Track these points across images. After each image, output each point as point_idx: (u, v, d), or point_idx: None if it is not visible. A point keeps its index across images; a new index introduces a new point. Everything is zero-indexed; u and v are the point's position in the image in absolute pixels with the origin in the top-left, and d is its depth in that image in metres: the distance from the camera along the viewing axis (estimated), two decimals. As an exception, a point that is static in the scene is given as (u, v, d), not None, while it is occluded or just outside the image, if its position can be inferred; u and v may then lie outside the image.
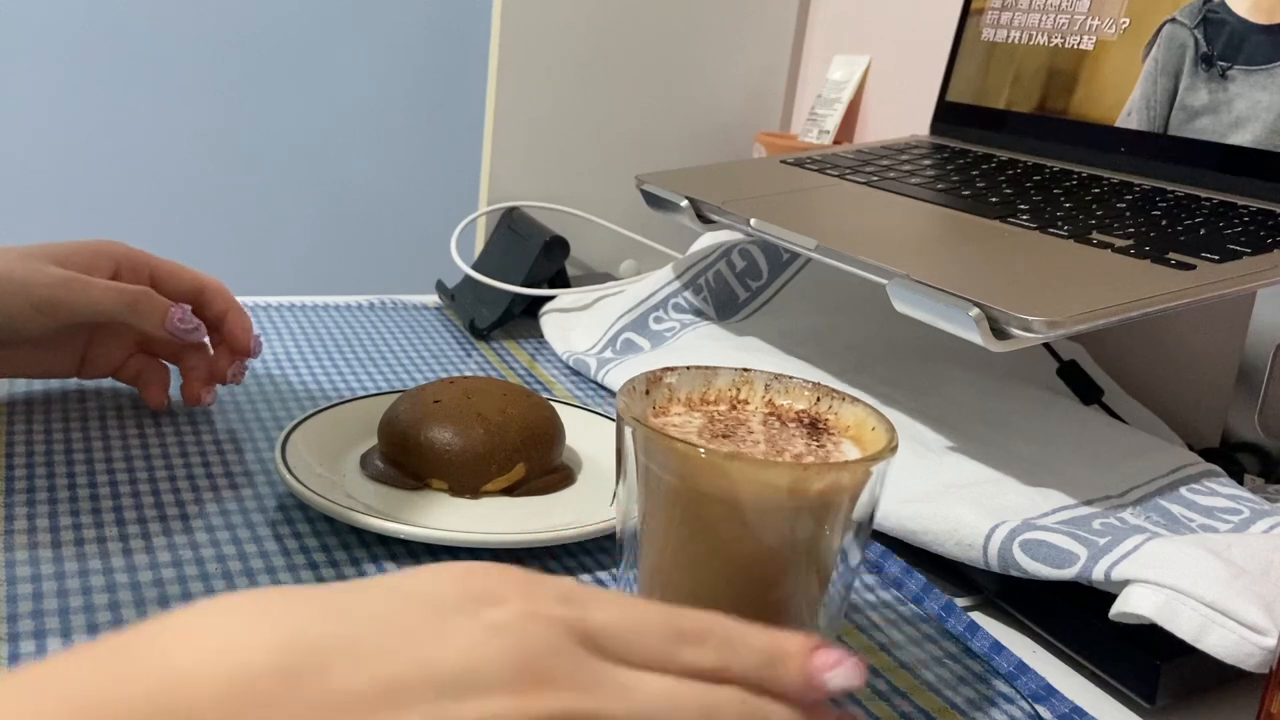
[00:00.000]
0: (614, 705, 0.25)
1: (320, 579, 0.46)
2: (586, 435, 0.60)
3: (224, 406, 0.62)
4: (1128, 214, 0.61)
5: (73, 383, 0.63)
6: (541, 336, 0.79)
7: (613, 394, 0.69)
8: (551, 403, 0.63)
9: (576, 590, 0.27)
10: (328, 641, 0.24)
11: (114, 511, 0.49)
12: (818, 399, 0.41)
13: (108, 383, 0.63)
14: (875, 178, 0.73)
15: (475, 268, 0.84)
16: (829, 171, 0.76)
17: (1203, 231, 0.57)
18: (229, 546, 0.47)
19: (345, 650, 0.24)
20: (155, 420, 0.59)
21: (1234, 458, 0.62)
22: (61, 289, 0.53)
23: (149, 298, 0.56)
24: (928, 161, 0.77)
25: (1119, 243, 0.56)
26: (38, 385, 0.62)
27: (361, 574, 0.46)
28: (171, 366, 0.62)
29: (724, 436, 0.38)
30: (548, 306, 0.82)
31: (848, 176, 0.74)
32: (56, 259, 0.55)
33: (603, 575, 0.49)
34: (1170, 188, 0.65)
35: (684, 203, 0.71)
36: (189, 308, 0.57)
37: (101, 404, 0.60)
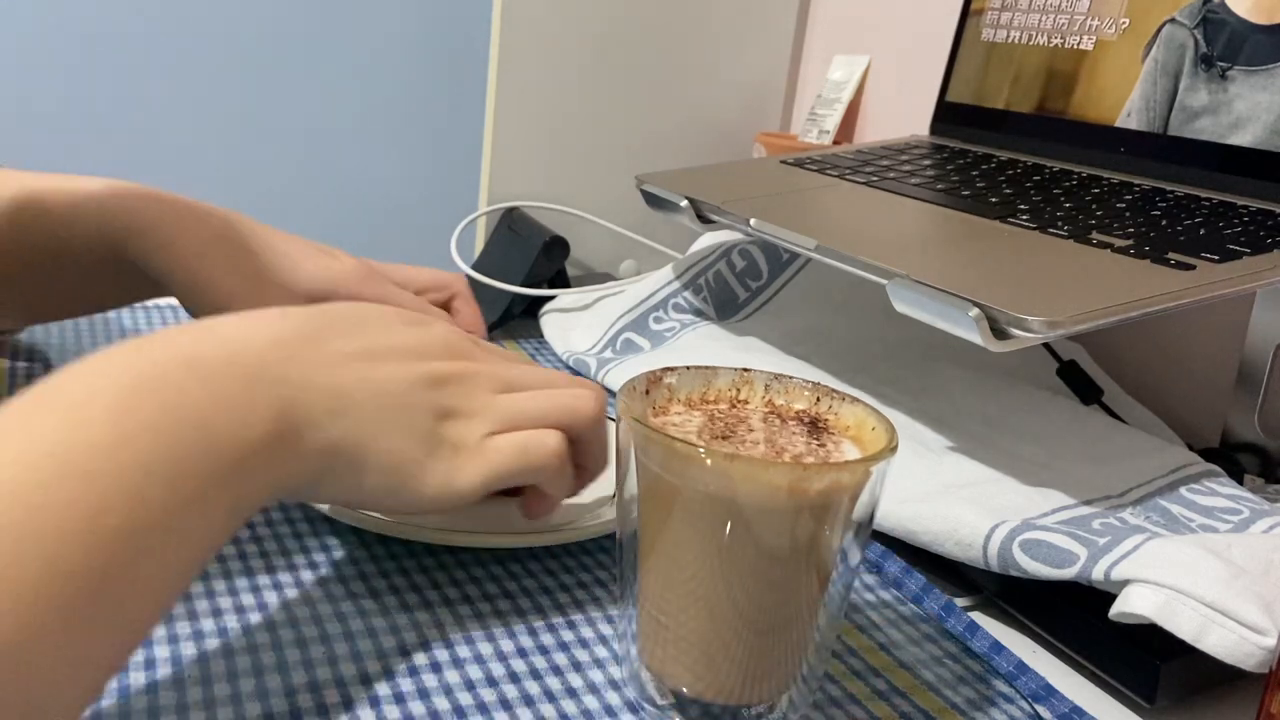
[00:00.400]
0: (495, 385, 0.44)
1: (320, 579, 0.46)
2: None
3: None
4: (1128, 214, 0.61)
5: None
6: (541, 336, 0.79)
7: (613, 394, 0.69)
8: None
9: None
10: (328, 326, 0.40)
11: (114, 511, 0.49)
12: (818, 399, 0.41)
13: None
14: (875, 178, 0.73)
15: (475, 268, 0.84)
16: (829, 171, 0.76)
17: (1203, 231, 0.57)
18: (229, 546, 0.47)
19: (341, 332, 0.40)
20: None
21: (1234, 458, 0.62)
22: (328, 261, 0.58)
23: (373, 273, 0.58)
24: (928, 161, 0.77)
25: (1119, 243, 0.56)
26: (39, 377, 0.62)
27: (361, 574, 0.47)
28: None
29: (724, 436, 0.38)
30: (548, 306, 0.82)
31: (848, 176, 0.74)
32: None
33: (603, 575, 0.49)
34: (1170, 188, 0.65)
35: (684, 203, 0.71)
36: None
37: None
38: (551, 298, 0.84)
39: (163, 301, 0.76)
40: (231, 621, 0.42)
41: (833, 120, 1.03)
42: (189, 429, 0.31)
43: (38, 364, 0.64)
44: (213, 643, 0.41)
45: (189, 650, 0.40)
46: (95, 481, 0.28)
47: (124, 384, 0.31)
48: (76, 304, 0.60)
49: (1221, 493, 0.54)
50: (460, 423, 0.42)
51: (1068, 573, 0.45)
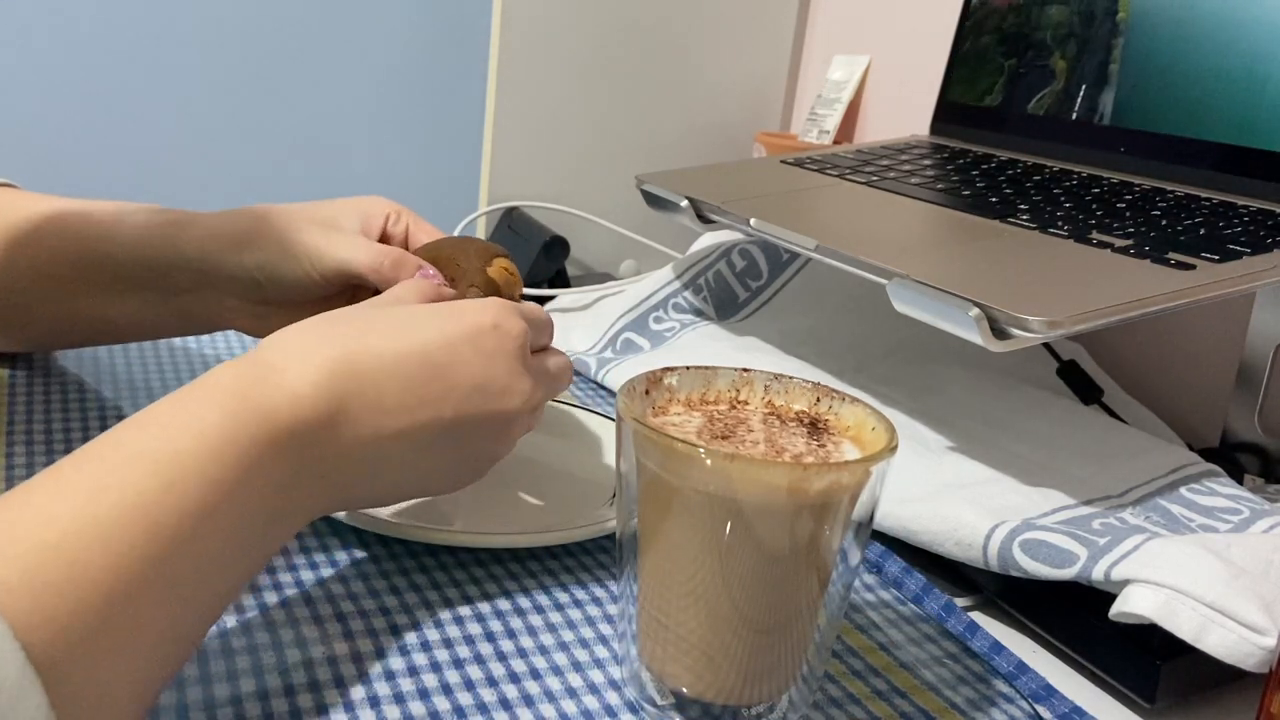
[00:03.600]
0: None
1: (320, 579, 0.46)
2: (586, 435, 0.60)
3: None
4: (1128, 214, 0.61)
5: (72, 377, 0.62)
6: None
7: (613, 394, 0.69)
8: (552, 403, 0.63)
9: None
10: (391, 388, 0.41)
11: (114, 511, 0.49)
12: (818, 399, 0.41)
13: (108, 376, 0.63)
14: (875, 178, 0.73)
15: (475, 268, 0.83)
16: (829, 171, 0.76)
17: (1203, 231, 0.57)
18: (229, 546, 0.47)
19: (404, 398, 0.41)
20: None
21: (1234, 458, 0.62)
22: (350, 250, 0.54)
23: (402, 261, 0.55)
24: (928, 161, 0.77)
25: (1119, 243, 0.56)
26: (38, 378, 0.62)
27: (361, 574, 0.47)
28: None
29: (724, 437, 0.38)
30: (548, 306, 0.82)
31: (848, 176, 0.74)
32: (326, 220, 0.56)
33: (603, 575, 0.49)
34: (1170, 188, 0.65)
35: (684, 203, 0.71)
36: (433, 270, 0.55)
37: (101, 400, 0.60)
38: (551, 297, 0.84)
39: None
40: (232, 622, 0.42)
41: (833, 120, 1.03)
42: (255, 489, 0.37)
43: (37, 371, 0.64)
44: (213, 643, 0.41)
45: (189, 650, 0.40)
46: (170, 511, 0.33)
47: (214, 447, 0.35)
48: (97, 336, 0.61)
49: (1221, 493, 0.54)
50: (488, 459, 0.46)
51: (1068, 573, 0.45)
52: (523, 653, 0.42)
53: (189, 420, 0.35)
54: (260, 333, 0.56)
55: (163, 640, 0.33)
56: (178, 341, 0.70)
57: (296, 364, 0.39)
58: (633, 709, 0.40)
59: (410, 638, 0.42)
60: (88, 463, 0.33)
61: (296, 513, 0.39)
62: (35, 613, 0.29)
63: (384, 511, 0.49)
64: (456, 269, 0.53)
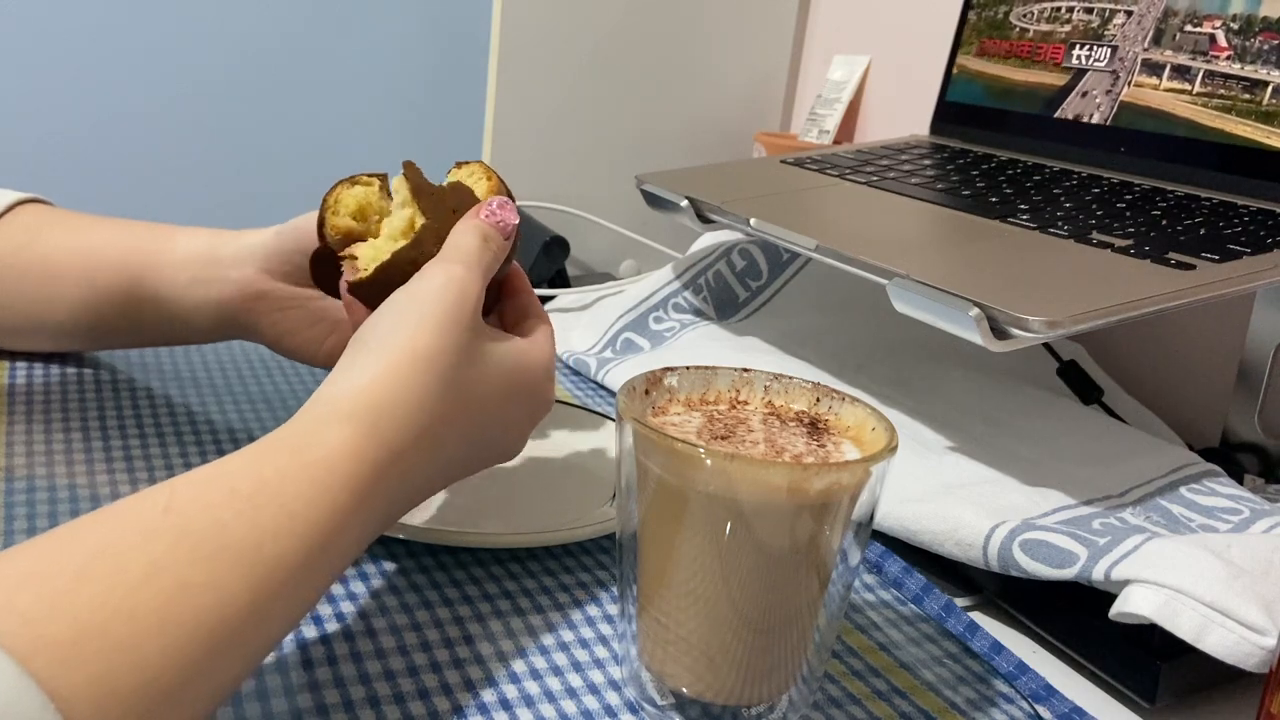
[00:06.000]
0: None
1: (320, 579, 0.46)
2: (586, 435, 0.60)
3: (225, 406, 0.62)
4: (1128, 214, 0.61)
5: (72, 375, 0.62)
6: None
7: (613, 394, 0.69)
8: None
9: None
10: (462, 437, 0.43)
11: (114, 511, 0.49)
12: (818, 399, 0.41)
13: (107, 378, 0.63)
14: (875, 178, 0.73)
15: (475, 268, 0.83)
16: (829, 171, 0.76)
17: (1203, 231, 0.57)
18: (229, 546, 0.47)
19: (467, 445, 0.43)
20: (155, 419, 0.59)
21: (1234, 458, 0.62)
22: None
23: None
24: (928, 161, 0.77)
25: (1119, 243, 0.56)
26: (38, 385, 0.62)
27: (361, 574, 0.47)
28: None
29: (724, 437, 0.38)
30: (548, 306, 0.82)
31: (848, 176, 0.74)
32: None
33: (603, 575, 0.49)
34: (1170, 188, 0.65)
35: (684, 203, 0.71)
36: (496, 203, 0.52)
37: (101, 401, 0.60)
38: (551, 297, 0.84)
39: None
40: (231, 621, 0.42)
41: (833, 120, 1.03)
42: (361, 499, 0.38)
43: (36, 371, 0.64)
44: (213, 643, 0.41)
45: (189, 650, 0.40)
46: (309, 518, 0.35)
47: (358, 471, 0.37)
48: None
49: (1221, 493, 0.54)
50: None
51: (1068, 573, 0.45)
52: (523, 653, 0.42)
53: (292, 508, 0.35)
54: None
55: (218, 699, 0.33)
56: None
57: (412, 446, 0.40)
58: (633, 709, 0.40)
59: (410, 638, 0.42)
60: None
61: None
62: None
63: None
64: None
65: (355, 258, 0.47)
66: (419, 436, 0.40)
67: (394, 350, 0.40)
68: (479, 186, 0.49)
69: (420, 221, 0.46)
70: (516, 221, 0.47)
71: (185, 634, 0.30)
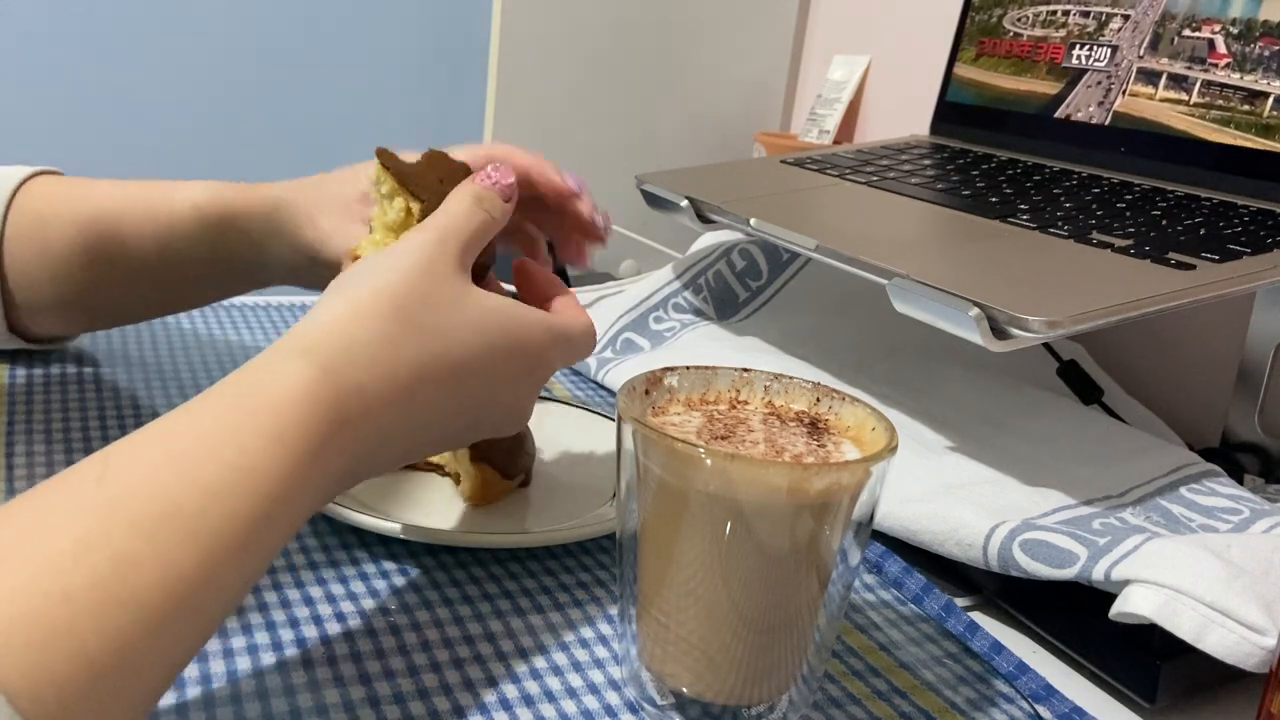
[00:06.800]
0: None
1: (320, 579, 0.46)
2: (586, 435, 0.60)
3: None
4: (1128, 214, 0.61)
5: (72, 374, 0.62)
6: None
7: (613, 394, 0.69)
8: (552, 402, 0.63)
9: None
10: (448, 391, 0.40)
11: (114, 511, 0.49)
12: (818, 399, 0.41)
13: (107, 378, 0.63)
14: (875, 178, 0.73)
15: (475, 268, 0.83)
16: (829, 171, 0.76)
17: (1203, 231, 0.57)
18: (229, 546, 0.47)
19: (451, 402, 0.41)
20: (155, 419, 0.59)
21: (1234, 458, 0.62)
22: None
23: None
24: (928, 161, 0.77)
25: (1119, 243, 0.56)
26: (38, 385, 0.62)
27: (361, 574, 0.47)
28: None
29: (724, 437, 0.38)
30: (548, 306, 0.82)
31: (848, 176, 0.74)
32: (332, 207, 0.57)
33: (603, 575, 0.49)
34: (1170, 188, 0.65)
35: (684, 203, 0.71)
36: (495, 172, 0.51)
37: (101, 401, 0.60)
38: (551, 298, 0.83)
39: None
40: (231, 622, 0.42)
41: (833, 120, 1.03)
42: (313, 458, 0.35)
43: (37, 370, 0.64)
44: (213, 644, 0.41)
45: (189, 650, 0.40)
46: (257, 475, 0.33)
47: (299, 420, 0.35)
48: (148, 309, 0.63)
49: (1221, 493, 0.54)
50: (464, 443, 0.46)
51: (1068, 573, 0.45)
52: (523, 653, 0.42)
53: (240, 459, 0.33)
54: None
55: (171, 674, 0.31)
56: (187, 330, 0.70)
57: (376, 394, 0.37)
58: (633, 709, 0.40)
59: (410, 638, 0.42)
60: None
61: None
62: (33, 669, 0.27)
63: (383, 509, 0.49)
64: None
65: (358, 257, 0.47)
66: (385, 380, 0.37)
67: (360, 291, 0.39)
68: (397, 204, 0.48)
69: (416, 206, 0.46)
70: (512, 181, 0.47)
71: (127, 614, 0.29)
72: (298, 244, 0.57)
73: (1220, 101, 0.63)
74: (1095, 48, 0.72)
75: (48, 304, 0.59)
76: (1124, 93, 0.69)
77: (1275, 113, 0.61)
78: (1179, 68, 0.66)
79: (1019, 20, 0.79)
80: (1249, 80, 0.62)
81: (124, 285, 0.59)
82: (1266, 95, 0.61)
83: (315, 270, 0.57)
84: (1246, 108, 0.62)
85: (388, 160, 0.47)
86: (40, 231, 0.57)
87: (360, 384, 0.37)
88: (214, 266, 0.58)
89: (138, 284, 0.59)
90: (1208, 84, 0.64)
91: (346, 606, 0.44)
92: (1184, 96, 0.65)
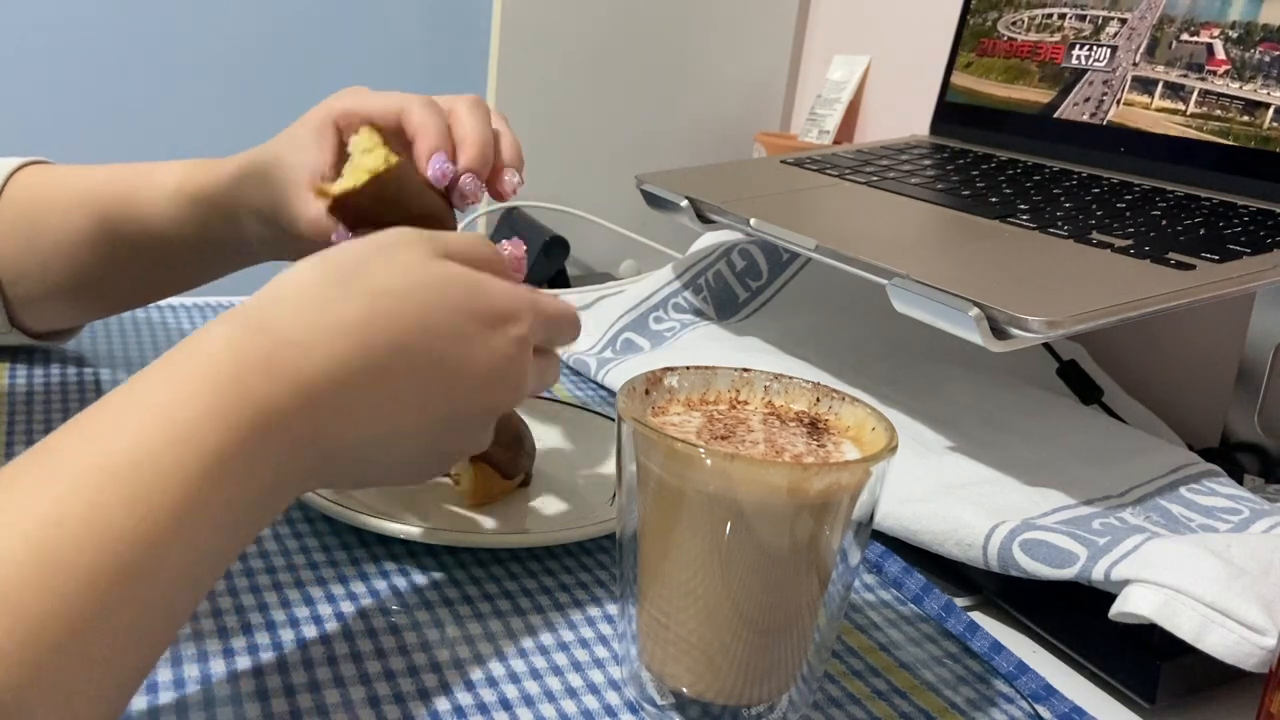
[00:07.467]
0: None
1: (320, 579, 0.46)
2: (586, 435, 0.60)
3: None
4: (1128, 214, 0.61)
5: (72, 375, 0.62)
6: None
7: (613, 394, 0.69)
8: (552, 403, 0.63)
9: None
10: (390, 373, 0.37)
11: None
12: (817, 399, 0.41)
13: (107, 378, 0.63)
14: (875, 178, 0.73)
15: (475, 268, 0.83)
16: (829, 171, 0.76)
17: (1203, 231, 0.57)
18: (229, 546, 0.47)
19: (392, 386, 0.37)
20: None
21: (1234, 458, 0.62)
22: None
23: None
24: (928, 161, 0.77)
25: (1119, 243, 0.56)
26: (38, 385, 0.62)
27: (361, 574, 0.47)
28: None
29: (724, 437, 0.38)
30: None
31: (848, 176, 0.74)
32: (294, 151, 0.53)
33: (603, 575, 0.49)
34: (1170, 188, 0.65)
35: (684, 203, 0.71)
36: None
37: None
38: (551, 298, 0.84)
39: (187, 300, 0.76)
40: (231, 622, 0.42)
41: (833, 120, 1.03)
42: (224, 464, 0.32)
43: (37, 370, 0.64)
44: (213, 644, 0.41)
45: (189, 650, 0.40)
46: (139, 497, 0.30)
47: (197, 448, 0.32)
48: (151, 291, 0.62)
49: (1221, 493, 0.54)
50: (466, 446, 0.43)
51: (1068, 573, 0.45)
52: (523, 653, 0.42)
53: (167, 411, 0.31)
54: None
55: (135, 657, 0.30)
56: (188, 330, 0.70)
57: (303, 348, 0.35)
58: (633, 709, 0.40)
59: (410, 638, 0.42)
60: (37, 481, 0.30)
61: (280, 503, 0.36)
62: None
63: (383, 509, 0.49)
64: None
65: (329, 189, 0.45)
66: (319, 329, 0.35)
67: (304, 262, 0.37)
68: (376, 154, 0.46)
69: (395, 159, 0.45)
70: (522, 254, 0.47)
71: (64, 577, 0.28)
72: (265, 217, 0.55)
73: (1218, 112, 0.63)
74: (1096, 47, 0.72)
75: (48, 293, 0.59)
76: (1119, 101, 0.69)
77: (1275, 124, 0.60)
78: (1175, 75, 0.66)
79: (1012, 25, 0.79)
80: (1248, 90, 0.62)
81: (131, 265, 0.58)
82: (1266, 106, 0.61)
83: (292, 244, 0.54)
84: (1245, 119, 0.62)
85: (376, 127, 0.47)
86: (30, 223, 0.57)
87: (284, 331, 0.34)
88: (203, 244, 0.57)
89: (143, 263, 0.58)
90: (1205, 93, 0.64)
91: (346, 606, 0.44)
92: (1180, 106, 0.65)
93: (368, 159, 0.45)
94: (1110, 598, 0.44)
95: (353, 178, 0.44)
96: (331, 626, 0.43)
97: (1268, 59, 0.62)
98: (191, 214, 0.56)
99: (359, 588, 0.46)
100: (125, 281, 0.60)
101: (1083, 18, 0.74)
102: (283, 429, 0.34)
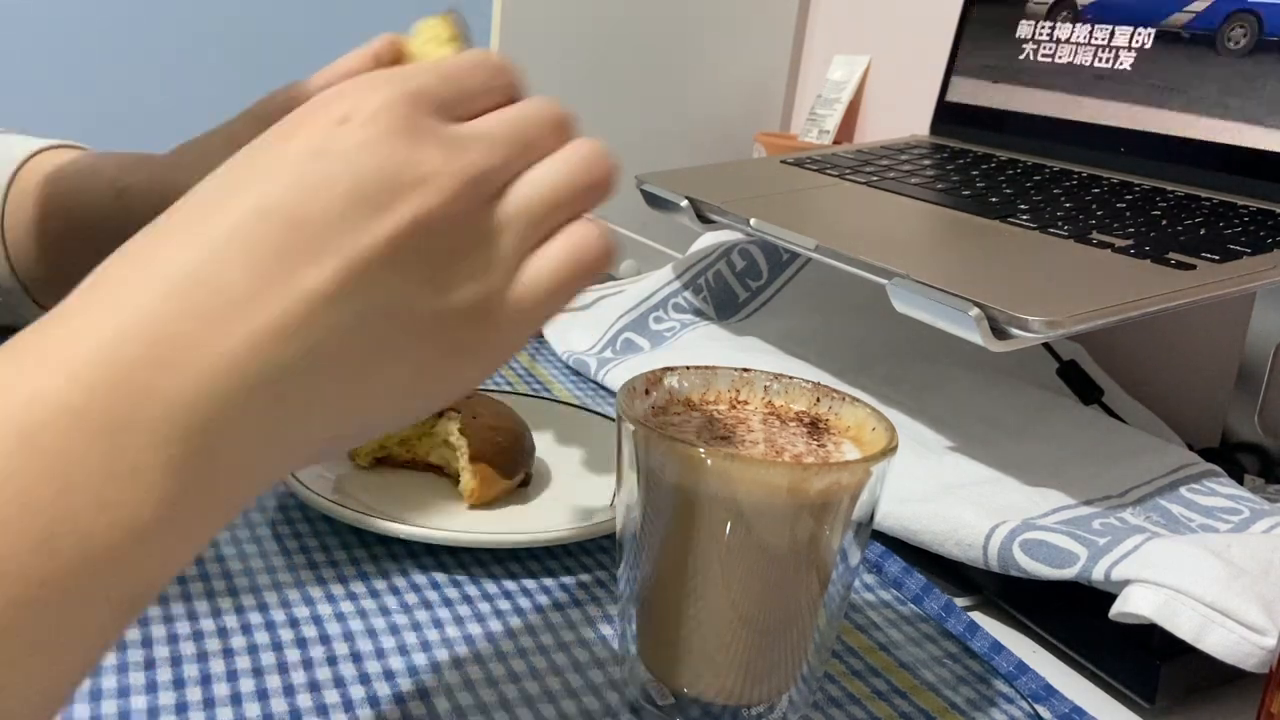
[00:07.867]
0: (462, 170, 0.29)
1: (320, 579, 0.46)
2: (586, 435, 0.60)
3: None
4: (1128, 214, 0.61)
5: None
6: (541, 336, 0.79)
7: (613, 394, 0.69)
8: (552, 403, 0.63)
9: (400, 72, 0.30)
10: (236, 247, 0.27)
11: (114, 511, 0.49)
12: (818, 399, 0.41)
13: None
14: (875, 178, 0.73)
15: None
16: (829, 171, 0.76)
17: (1203, 231, 0.57)
18: (228, 547, 0.47)
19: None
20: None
21: (1234, 458, 0.62)
22: None
23: None
24: (928, 161, 0.77)
25: (1119, 243, 0.56)
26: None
27: (361, 574, 0.47)
28: None
29: (724, 437, 0.38)
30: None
31: (848, 176, 0.74)
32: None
33: (602, 575, 0.49)
34: (1170, 188, 0.65)
35: (684, 203, 0.71)
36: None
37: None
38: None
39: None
40: (231, 622, 0.42)
41: (833, 120, 1.03)
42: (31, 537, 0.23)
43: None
44: (213, 644, 0.41)
45: (188, 650, 0.40)
46: None
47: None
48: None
49: (1221, 493, 0.54)
50: (468, 294, 0.30)
51: (1068, 573, 0.45)
52: (523, 653, 0.42)
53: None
54: None
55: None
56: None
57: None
58: (633, 709, 0.40)
59: (410, 638, 0.42)
60: None
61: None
62: None
63: (383, 509, 0.49)
64: None
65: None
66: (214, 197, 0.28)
67: None
68: (446, 49, 0.42)
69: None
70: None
71: None
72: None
73: (1218, 111, 0.63)
74: (1096, 49, 0.72)
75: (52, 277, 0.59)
76: (1119, 101, 0.69)
77: (1275, 124, 0.61)
78: (1175, 75, 0.66)
79: (1015, 27, 0.79)
80: (1248, 89, 0.62)
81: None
82: (1266, 106, 0.61)
83: None
84: (1245, 118, 0.62)
85: (455, 18, 0.42)
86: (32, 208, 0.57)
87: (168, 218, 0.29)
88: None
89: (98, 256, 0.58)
90: (1205, 93, 0.64)
91: (346, 606, 0.44)
92: (1180, 105, 0.65)
93: (447, 50, 0.39)
94: (1110, 598, 0.44)
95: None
96: (332, 627, 0.43)
97: (1268, 58, 0.62)
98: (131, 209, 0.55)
99: (359, 588, 0.46)
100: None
101: (1083, 21, 0.74)
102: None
